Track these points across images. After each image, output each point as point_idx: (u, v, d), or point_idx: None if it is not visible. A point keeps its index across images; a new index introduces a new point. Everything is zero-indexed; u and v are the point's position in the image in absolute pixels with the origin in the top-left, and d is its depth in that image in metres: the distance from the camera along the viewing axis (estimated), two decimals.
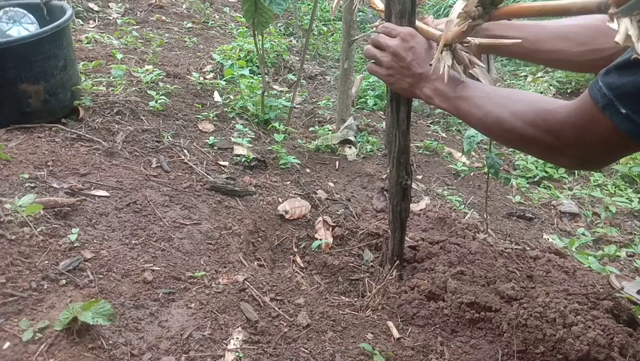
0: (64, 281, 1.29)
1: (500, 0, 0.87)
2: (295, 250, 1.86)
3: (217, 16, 5.02)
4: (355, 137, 2.90)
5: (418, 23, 1.22)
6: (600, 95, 0.69)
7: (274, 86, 3.63)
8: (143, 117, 2.32)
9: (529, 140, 0.89)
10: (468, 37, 1.03)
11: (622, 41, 0.65)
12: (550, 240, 2.42)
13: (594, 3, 0.71)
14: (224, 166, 2.17)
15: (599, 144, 0.75)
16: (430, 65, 1.06)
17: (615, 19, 0.66)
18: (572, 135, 0.79)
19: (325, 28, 5.47)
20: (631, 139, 0.69)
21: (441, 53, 1.03)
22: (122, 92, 2.47)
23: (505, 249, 1.95)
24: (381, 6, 1.32)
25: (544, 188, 3.07)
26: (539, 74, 4.99)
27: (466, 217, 2.36)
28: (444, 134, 3.61)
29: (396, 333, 1.40)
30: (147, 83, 2.65)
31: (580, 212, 2.78)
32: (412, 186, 1.52)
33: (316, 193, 2.22)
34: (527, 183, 3.09)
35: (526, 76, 5.01)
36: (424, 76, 1.08)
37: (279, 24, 5.28)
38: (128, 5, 4.38)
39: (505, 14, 0.88)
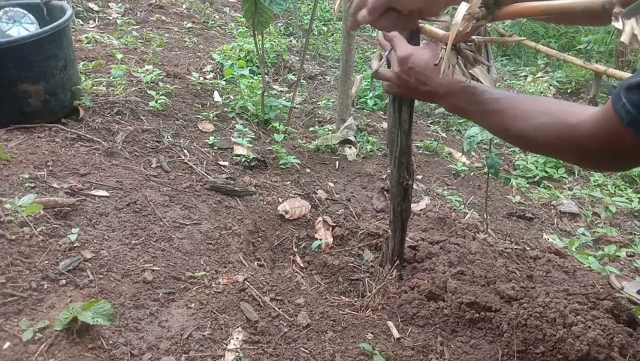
0: (64, 281, 1.29)
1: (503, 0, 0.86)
2: (295, 250, 1.86)
3: (217, 16, 5.02)
4: (355, 137, 2.90)
5: (422, 24, 1.22)
6: (625, 111, 0.71)
7: (274, 86, 3.63)
8: (143, 117, 2.32)
9: (554, 151, 0.93)
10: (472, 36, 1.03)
11: (628, 41, 0.65)
12: (550, 240, 2.42)
13: (598, 2, 0.70)
14: (224, 166, 2.17)
15: (625, 153, 0.78)
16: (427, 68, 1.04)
17: (620, 19, 0.66)
18: (597, 147, 0.81)
19: (325, 28, 5.47)
20: None
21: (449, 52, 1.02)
22: (122, 92, 2.47)
23: (505, 249, 1.95)
24: None
25: (544, 188, 3.07)
26: (539, 74, 4.99)
27: (466, 217, 2.36)
28: (444, 135, 3.61)
29: (396, 333, 1.40)
30: (147, 83, 2.65)
31: (580, 212, 2.78)
32: (412, 186, 1.52)
33: (316, 193, 2.22)
34: (527, 183, 3.09)
35: (526, 76, 5.01)
36: (434, 92, 1.08)
37: (279, 24, 5.28)
38: (128, 5, 4.38)
39: (509, 14, 0.88)
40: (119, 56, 2.94)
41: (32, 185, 1.63)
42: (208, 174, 2.03)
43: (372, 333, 1.38)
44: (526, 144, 0.97)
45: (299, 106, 3.41)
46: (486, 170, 2.32)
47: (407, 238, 1.74)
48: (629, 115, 0.70)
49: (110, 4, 4.29)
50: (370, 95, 3.75)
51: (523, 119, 0.93)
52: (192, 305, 1.33)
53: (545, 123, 0.89)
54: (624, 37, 0.65)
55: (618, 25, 0.66)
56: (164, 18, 4.36)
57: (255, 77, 3.13)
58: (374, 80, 1.26)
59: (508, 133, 0.97)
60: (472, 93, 1.02)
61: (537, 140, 0.91)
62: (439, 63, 1.02)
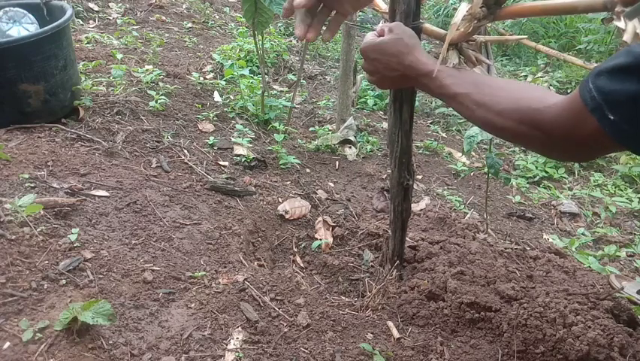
0: (64, 281, 1.29)
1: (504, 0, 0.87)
2: (295, 250, 1.86)
3: (217, 16, 5.02)
4: (355, 137, 2.90)
5: (421, 24, 1.22)
6: (590, 97, 0.69)
7: (274, 86, 3.63)
8: (143, 117, 2.32)
9: (517, 138, 0.90)
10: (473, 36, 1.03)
11: (630, 40, 0.65)
12: (550, 240, 2.42)
13: (600, 1, 0.70)
14: (224, 166, 2.17)
15: (587, 141, 0.76)
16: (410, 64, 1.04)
17: (622, 18, 0.66)
18: (561, 133, 0.80)
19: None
20: (617, 142, 0.70)
21: (447, 51, 1.02)
22: (122, 92, 2.47)
23: (505, 249, 1.95)
24: (383, 7, 1.32)
25: (544, 188, 3.07)
26: (539, 74, 4.99)
27: (466, 217, 2.36)
28: (444, 135, 3.61)
29: (396, 333, 1.40)
30: (147, 83, 2.65)
31: (580, 212, 2.78)
32: (412, 186, 1.52)
33: (316, 193, 2.22)
34: (527, 183, 3.09)
35: (526, 76, 5.01)
36: (397, 79, 1.08)
37: (279, 24, 5.28)
38: (128, 5, 4.37)
39: (509, 14, 0.88)
40: (119, 56, 2.94)
41: (32, 185, 1.63)
42: (208, 174, 2.03)
43: (372, 333, 1.38)
44: (490, 130, 0.95)
45: (299, 106, 3.41)
46: (486, 170, 2.32)
47: (407, 238, 1.74)
48: (594, 101, 0.68)
49: (110, 4, 4.29)
50: (371, 94, 3.76)
51: (488, 104, 0.90)
52: (192, 305, 1.33)
53: (509, 109, 0.86)
54: (626, 37, 0.65)
55: (620, 24, 0.66)
56: (164, 18, 4.36)
57: (255, 77, 3.13)
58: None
59: (472, 117, 0.95)
60: (434, 77, 0.99)
61: (500, 125, 0.89)
62: (439, 62, 1.02)
